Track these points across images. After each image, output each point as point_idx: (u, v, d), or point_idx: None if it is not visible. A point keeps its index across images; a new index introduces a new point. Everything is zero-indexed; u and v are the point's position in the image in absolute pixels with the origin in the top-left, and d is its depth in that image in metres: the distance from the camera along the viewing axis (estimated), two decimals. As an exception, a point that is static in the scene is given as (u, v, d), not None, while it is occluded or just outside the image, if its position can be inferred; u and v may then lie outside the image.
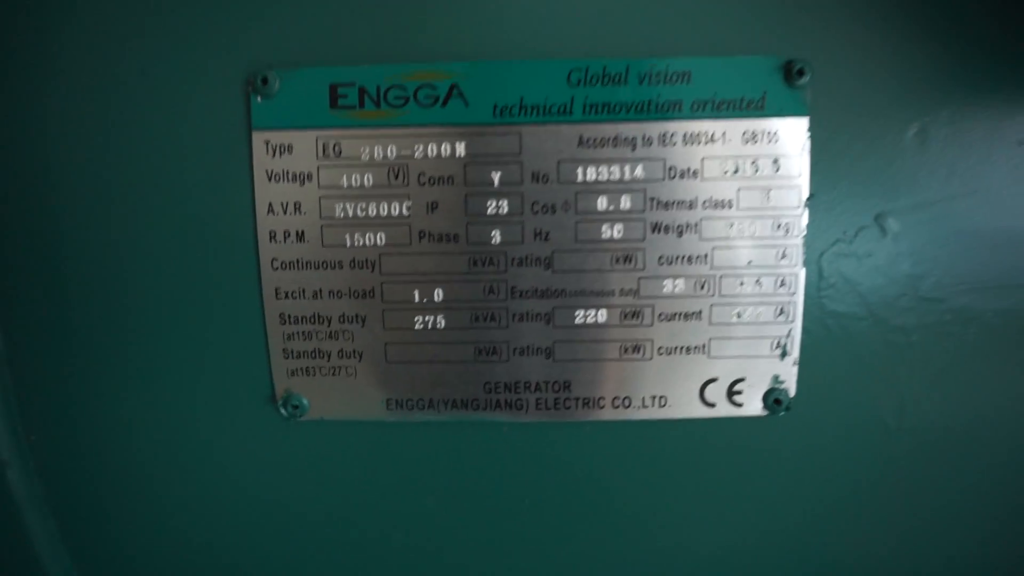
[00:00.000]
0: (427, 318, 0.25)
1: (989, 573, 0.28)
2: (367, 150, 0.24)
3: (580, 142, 0.24)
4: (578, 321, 0.25)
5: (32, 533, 0.29)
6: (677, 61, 0.23)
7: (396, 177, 0.24)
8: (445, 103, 0.24)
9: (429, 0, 0.24)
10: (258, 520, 0.27)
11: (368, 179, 0.24)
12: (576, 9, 0.24)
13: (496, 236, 0.24)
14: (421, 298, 0.25)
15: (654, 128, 0.23)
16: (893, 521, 0.27)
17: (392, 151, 0.24)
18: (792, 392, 0.25)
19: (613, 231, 0.24)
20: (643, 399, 0.25)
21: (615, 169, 0.24)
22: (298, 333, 0.25)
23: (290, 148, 0.24)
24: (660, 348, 0.25)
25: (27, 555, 0.29)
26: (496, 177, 0.24)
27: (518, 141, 0.24)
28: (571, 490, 0.26)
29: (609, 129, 0.24)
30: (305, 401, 0.26)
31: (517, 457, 0.26)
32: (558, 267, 0.24)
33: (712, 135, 0.24)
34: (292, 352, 0.25)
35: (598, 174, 0.24)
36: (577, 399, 0.25)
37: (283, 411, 0.26)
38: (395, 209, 0.24)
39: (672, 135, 0.24)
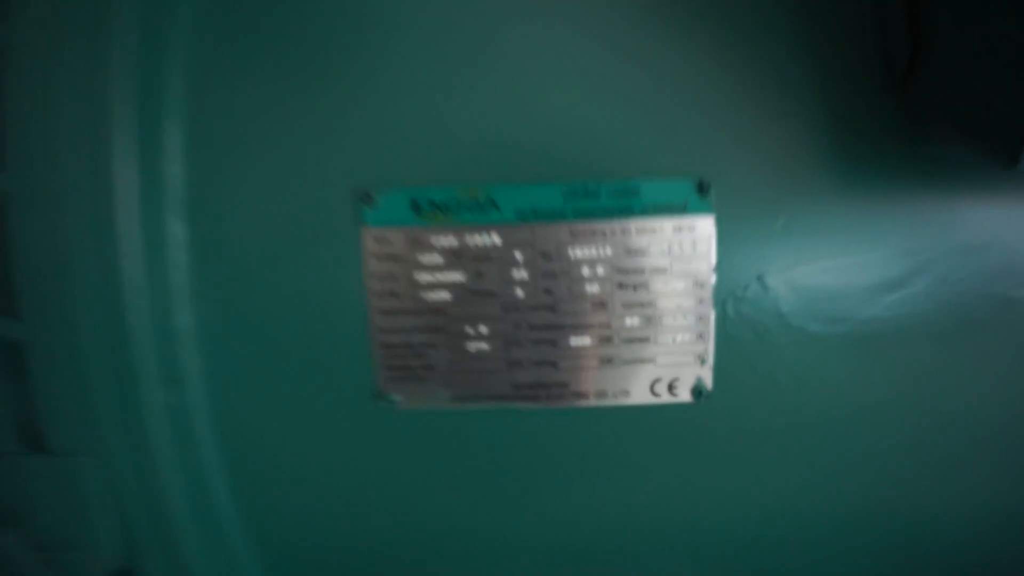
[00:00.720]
0: (476, 344, 0.39)
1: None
2: (437, 240, 0.38)
3: (571, 233, 0.38)
4: (572, 344, 0.39)
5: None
6: (631, 182, 0.37)
7: (455, 256, 0.38)
8: (485, 209, 0.38)
9: (472, 150, 0.37)
10: (364, 489, 0.42)
11: (438, 258, 0.38)
12: (566, 151, 0.37)
13: (519, 292, 0.38)
14: (472, 332, 0.39)
15: (617, 224, 0.37)
16: (791, 483, 0.41)
17: (452, 240, 0.38)
18: (709, 386, 0.39)
19: (593, 288, 0.38)
20: (614, 392, 0.39)
21: (593, 250, 0.38)
22: (394, 355, 0.39)
23: (388, 239, 0.38)
24: (624, 360, 0.39)
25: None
26: (519, 256, 0.38)
27: (531, 233, 0.38)
28: (569, 451, 0.40)
29: (589, 225, 0.37)
30: (398, 398, 0.40)
31: (535, 432, 0.40)
32: (559, 311, 0.38)
33: (654, 228, 0.37)
34: (390, 367, 0.39)
35: (583, 253, 0.38)
36: (573, 393, 0.39)
37: (385, 404, 0.40)
38: (455, 277, 0.38)
39: (629, 228, 0.37)
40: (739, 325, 0.38)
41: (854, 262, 0.38)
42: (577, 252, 0.38)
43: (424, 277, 0.38)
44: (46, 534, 0.36)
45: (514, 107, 0.37)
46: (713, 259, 0.38)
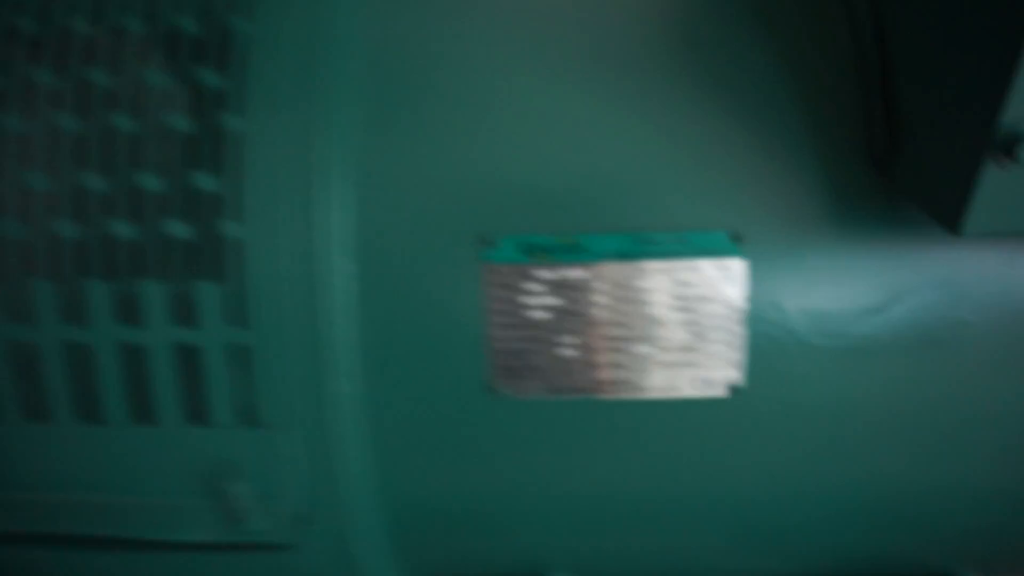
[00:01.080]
0: (566, 351, 0.52)
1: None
2: (539, 273, 0.51)
3: (638, 270, 0.51)
4: (637, 351, 0.52)
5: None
6: (682, 233, 0.51)
7: (553, 286, 0.51)
8: (576, 251, 0.51)
9: (561, 202, 0.51)
10: (478, 460, 0.55)
11: (539, 287, 0.51)
12: (632, 205, 0.51)
13: (599, 312, 0.51)
14: (564, 342, 0.52)
15: (671, 264, 0.51)
16: (797, 460, 0.54)
17: (551, 274, 0.51)
18: (741, 384, 0.52)
19: (653, 310, 0.51)
20: (668, 388, 0.52)
21: (654, 282, 0.51)
22: (503, 358, 0.52)
23: (502, 272, 0.51)
24: (676, 364, 0.52)
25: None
26: (599, 286, 0.51)
27: (609, 269, 0.51)
28: (633, 431, 0.54)
29: (651, 264, 0.51)
30: (506, 391, 0.53)
31: (610, 416, 0.53)
32: (628, 326, 0.52)
33: (699, 267, 0.51)
34: (500, 366, 0.53)
35: (646, 284, 0.51)
36: (637, 388, 0.52)
37: (495, 396, 0.53)
38: (552, 301, 0.51)
39: (680, 267, 0.51)
40: (763, 339, 0.52)
41: (848, 292, 0.51)
42: (642, 283, 0.51)
43: (528, 300, 0.52)
44: (257, 484, 0.49)
45: (595, 168, 0.51)
46: (744, 290, 0.51)
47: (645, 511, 0.58)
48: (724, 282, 0.51)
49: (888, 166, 0.50)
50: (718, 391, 0.52)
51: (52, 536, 0.50)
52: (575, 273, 0.51)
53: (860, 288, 0.51)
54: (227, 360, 0.48)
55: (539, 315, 0.52)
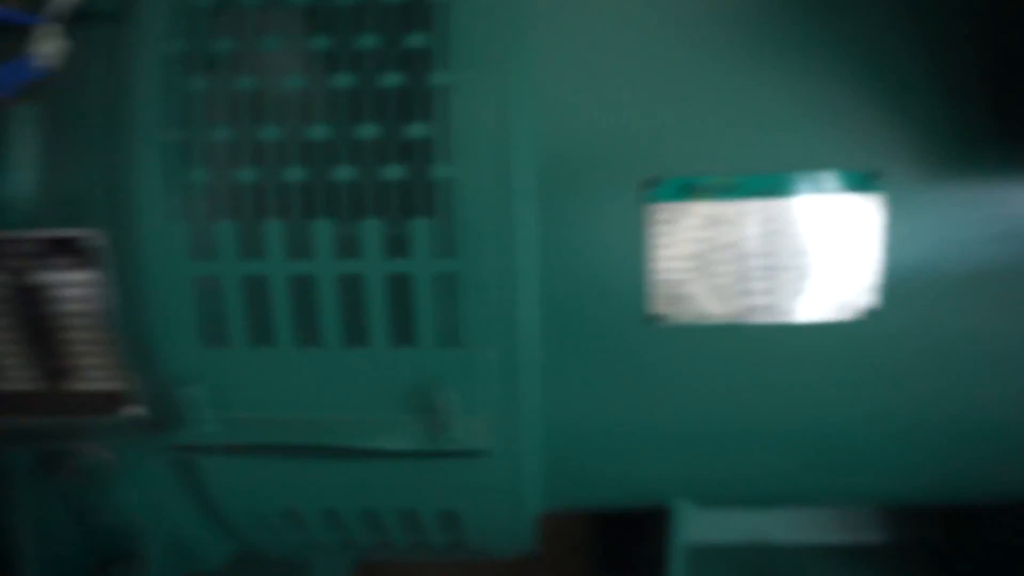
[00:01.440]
0: (721, 280, 0.59)
1: None
2: (698, 209, 0.58)
3: (786, 206, 0.58)
4: (784, 278, 0.58)
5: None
6: (826, 172, 0.57)
7: (710, 220, 0.58)
8: (731, 190, 0.58)
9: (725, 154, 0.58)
10: (636, 383, 0.61)
11: (697, 221, 0.58)
12: (776, 150, 0.57)
13: (751, 244, 0.58)
14: (718, 271, 0.59)
15: (817, 199, 0.57)
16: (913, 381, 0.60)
17: (708, 209, 0.58)
18: (878, 307, 0.59)
19: (800, 241, 0.58)
20: (813, 311, 0.59)
21: (797, 214, 0.58)
22: (668, 285, 0.59)
23: (665, 209, 0.58)
24: (822, 288, 0.58)
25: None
26: (750, 220, 0.58)
27: (761, 206, 0.58)
28: (778, 348, 0.60)
29: (799, 199, 0.57)
30: (666, 316, 0.60)
31: (759, 339, 0.60)
32: (777, 255, 0.58)
33: (844, 201, 0.57)
34: (660, 295, 0.59)
35: (794, 216, 0.58)
36: (783, 311, 0.59)
37: (655, 322, 0.60)
38: (707, 234, 0.58)
39: (824, 202, 0.57)
40: (898, 266, 0.58)
41: (973, 222, 0.57)
42: (789, 217, 0.58)
43: (686, 234, 0.58)
44: (457, 398, 0.56)
45: (745, 115, 0.58)
46: (880, 221, 0.57)
47: (778, 435, 0.64)
48: (863, 215, 0.57)
49: (1011, 112, 0.56)
50: (857, 315, 0.59)
51: (277, 447, 0.57)
52: (729, 209, 0.58)
53: (983, 219, 0.57)
54: (433, 288, 0.55)
55: (696, 247, 0.58)
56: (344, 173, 0.54)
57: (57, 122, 0.56)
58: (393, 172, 0.54)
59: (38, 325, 0.59)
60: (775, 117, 0.58)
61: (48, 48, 0.53)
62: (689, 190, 0.58)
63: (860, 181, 0.57)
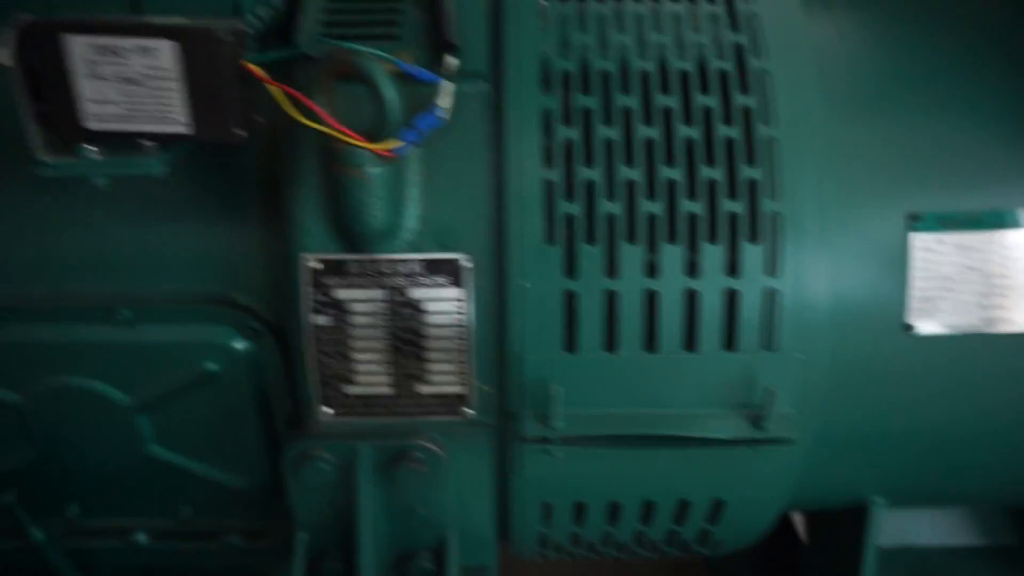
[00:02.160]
0: (967, 297, 0.72)
1: None
2: (951, 238, 0.71)
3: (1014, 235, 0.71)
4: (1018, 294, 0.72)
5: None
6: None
7: (961, 248, 0.71)
8: (974, 223, 0.71)
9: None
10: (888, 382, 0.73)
11: (950, 248, 0.71)
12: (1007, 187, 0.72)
13: (993, 268, 0.72)
14: (962, 288, 0.72)
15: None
16: None
17: (959, 238, 0.71)
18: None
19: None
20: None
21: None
22: (922, 301, 0.72)
23: (927, 239, 0.71)
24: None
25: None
26: (989, 247, 0.71)
27: (992, 236, 0.71)
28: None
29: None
30: (921, 326, 0.72)
31: (991, 352, 0.73)
32: (982, 272, 0.72)
33: None
34: (919, 298, 0.72)
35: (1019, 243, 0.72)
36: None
37: (910, 333, 0.72)
38: (959, 259, 0.71)
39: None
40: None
41: None
42: (1018, 243, 0.72)
43: (940, 258, 0.71)
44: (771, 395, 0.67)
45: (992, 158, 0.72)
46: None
47: (999, 434, 0.76)
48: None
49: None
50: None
51: (625, 438, 0.67)
52: (975, 238, 0.71)
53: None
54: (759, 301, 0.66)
55: (947, 269, 0.72)
56: (688, 207, 0.66)
57: (434, 163, 0.67)
58: (731, 206, 0.66)
59: (406, 335, 0.68)
60: (1004, 162, 0.73)
61: (447, 102, 0.63)
62: (944, 222, 0.71)
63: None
